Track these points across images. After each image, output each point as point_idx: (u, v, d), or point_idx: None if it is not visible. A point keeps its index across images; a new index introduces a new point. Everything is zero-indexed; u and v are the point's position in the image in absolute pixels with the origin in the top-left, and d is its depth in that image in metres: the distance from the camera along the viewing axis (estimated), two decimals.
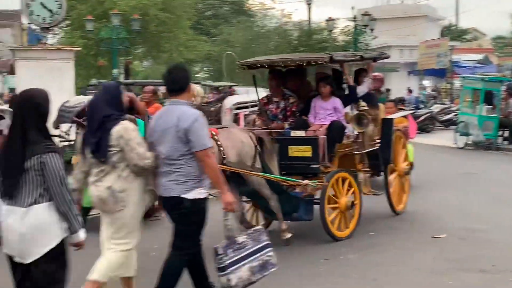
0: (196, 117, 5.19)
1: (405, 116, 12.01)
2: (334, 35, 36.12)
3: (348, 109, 8.53)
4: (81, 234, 4.34)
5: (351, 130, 8.39)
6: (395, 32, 46.19)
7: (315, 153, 7.74)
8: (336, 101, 8.19)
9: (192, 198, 5.16)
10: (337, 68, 8.70)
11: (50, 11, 12.65)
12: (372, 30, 31.96)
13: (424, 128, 23.71)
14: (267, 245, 5.51)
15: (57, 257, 4.29)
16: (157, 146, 5.27)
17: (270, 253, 5.49)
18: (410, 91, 33.49)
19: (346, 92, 8.65)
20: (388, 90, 12.97)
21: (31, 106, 4.28)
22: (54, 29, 16.58)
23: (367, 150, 8.52)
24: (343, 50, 26.84)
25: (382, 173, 9.08)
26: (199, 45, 36.31)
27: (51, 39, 14.88)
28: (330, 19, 33.58)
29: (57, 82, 12.11)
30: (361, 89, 8.62)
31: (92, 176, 5.30)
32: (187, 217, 5.19)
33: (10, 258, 4.36)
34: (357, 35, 32.67)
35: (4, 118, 8.82)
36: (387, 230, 8.48)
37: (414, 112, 23.85)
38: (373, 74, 13.30)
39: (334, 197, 7.91)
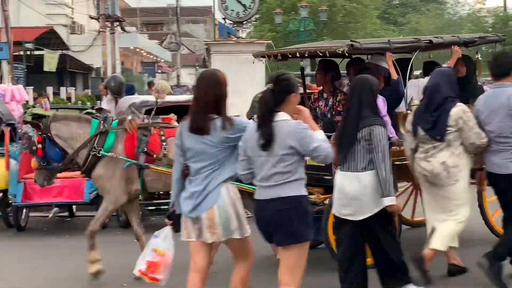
0: None
1: None
2: None
3: (403, 108, 6.93)
4: (394, 198, 4.97)
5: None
6: None
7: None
8: None
9: None
10: (403, 57, 7.31)
11: (244, 6, 13.24)
12: None
13: None
14: None
15: (389, 219, 5.06)
16: (485, 126, 5.64)
17: None
18: None
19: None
20: None
21: (367, 87, 5.13)
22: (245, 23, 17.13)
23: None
24: None
25: None
26: (387, 34, 35.66)
27: (241, 33, 15.42)
28: None
29: (249, 74, 12.41)
30: (418, 83, 7.08)
31: (421, 153, 5.76)
32: None
33: (337, 218, 5.16)
34: None
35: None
36: None
37: None
38: None
39: None
